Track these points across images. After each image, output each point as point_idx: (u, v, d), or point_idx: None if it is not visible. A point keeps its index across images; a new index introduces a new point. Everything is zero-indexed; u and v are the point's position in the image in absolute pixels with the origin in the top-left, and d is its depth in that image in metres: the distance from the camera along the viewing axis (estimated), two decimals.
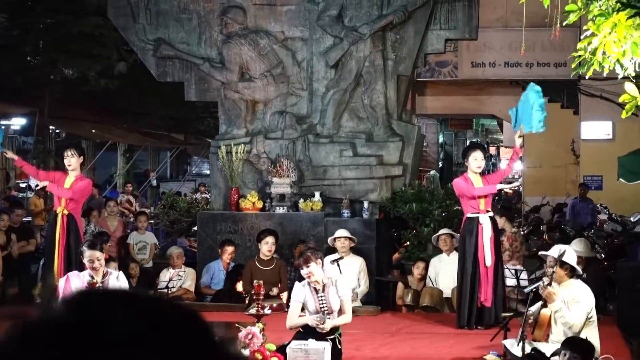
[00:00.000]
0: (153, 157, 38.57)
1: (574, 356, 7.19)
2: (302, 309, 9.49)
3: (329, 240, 13.54)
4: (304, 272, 9.36)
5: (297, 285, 9.67)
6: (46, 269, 12.52)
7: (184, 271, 14.12)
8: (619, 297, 12.85)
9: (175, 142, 36.26)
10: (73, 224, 12.51)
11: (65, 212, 12.41)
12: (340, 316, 9.34)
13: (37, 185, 25.40)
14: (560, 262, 9.22)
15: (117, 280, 9.98)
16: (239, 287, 13.53)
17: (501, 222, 13.59)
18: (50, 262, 12.38)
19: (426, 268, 13.68)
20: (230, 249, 14.13)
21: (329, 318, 9.23)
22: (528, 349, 8.77)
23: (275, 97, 15.78)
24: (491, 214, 11.92)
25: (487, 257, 11.72)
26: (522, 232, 16.80)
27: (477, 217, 11.77)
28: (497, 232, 11.92)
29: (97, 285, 9.49)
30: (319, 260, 9.50)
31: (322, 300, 9.31)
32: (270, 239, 13.43)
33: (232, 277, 13.79)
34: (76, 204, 12.66)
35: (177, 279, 13.99)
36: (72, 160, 12.52)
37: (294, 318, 9.42)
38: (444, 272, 13.25)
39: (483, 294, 11.72)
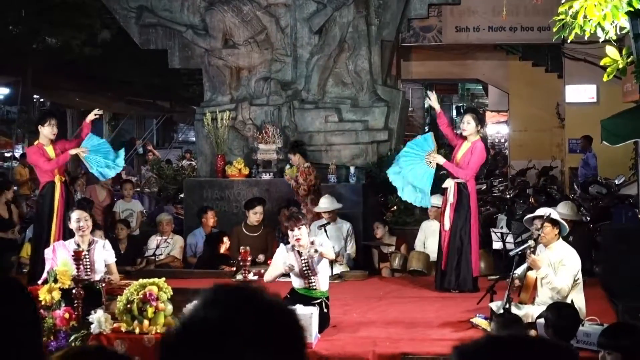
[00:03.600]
0: (139, 125, 38.46)
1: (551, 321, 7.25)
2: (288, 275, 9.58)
3: (315, 209, 13.54)
4: (293, 234, 9.40)
5: (281, 248, 9.73)
6: (37, 238, 12.42)
7: (172, 238, 14.12)
8: (604, 259, 12.91)
9: (160, 110, 36.17)
10: (69, 191, 12.50)
11: (62, 179, 12.37)
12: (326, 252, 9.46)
13: (22, 155, 25.38)
14: (550, 221, 9.24)
15: (104, 248, 10.01)
16: (222, 249, 13.55)
17: (295, 159, 13.65)
18: (46, 230, 12.26)
19: (385, 227, 13.76)
20: (210, 214, 14.13)
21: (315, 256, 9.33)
22: (515, 312, 8.81)
23: (260, 63, 15.75)
24: (459, 180, 11.87)
25: (446, 221, 11.80)
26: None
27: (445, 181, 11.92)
28: (463, 198, 11.87)
29: (83, 253, 9.49)
30: (307, 224, 9.59)
31: (305, 263, 9.37)
32: (259, 209, 13.45)
33: (211, 243, 13.75)
34: (64, 166, 12.69)
35: (165, 246, 14.00)
36: (55, 129, 12.40)
37: (271, 274, 9.53)
38: (431, 237, 13.29)
39: (444, 257, 11.83)
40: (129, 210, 15.99)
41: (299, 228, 9.39)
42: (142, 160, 32.73)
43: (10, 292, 1.76)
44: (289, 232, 9.51)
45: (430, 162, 11.87)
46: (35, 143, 12.49)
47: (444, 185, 11.91)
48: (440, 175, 14.25)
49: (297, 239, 9.38)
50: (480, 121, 12.50)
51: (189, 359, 1.72)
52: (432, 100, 12.37)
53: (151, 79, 28.93)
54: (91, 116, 12.89)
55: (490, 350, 1.72)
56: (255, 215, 13.44)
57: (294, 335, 1.80)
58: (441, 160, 11.82)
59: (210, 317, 1.76)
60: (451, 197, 11.78)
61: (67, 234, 11.45)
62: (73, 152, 12.32)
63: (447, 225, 11.79)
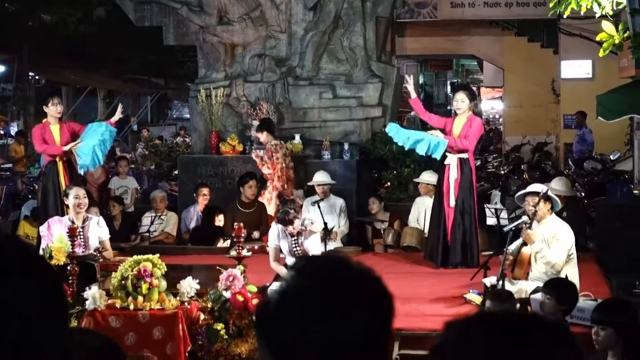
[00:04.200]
0: (133, 102, 38.40)
1: (547, 297, 7.25)
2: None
3: (309, 184, 13.56)
4: (287, 228, 9.51)
5: (273, 227, 9.79)
6: (42, 215, 12.40)
7: (166, 215, 14.12)
8: (598, 235, 12.93)
9: (155, 87, 36.12)
10: (72, 168, 12.48)
11: (64, 158, 12.37)
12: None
13: (17, 132, 25.35)
14: (545, 198, 9.25)
15: (98, 225, 10.01)
16: (217, 222, 13.58)
17: (263, 136, 13.65)
18: (52, 207, 12.24)
19: (381, 203, 13.78)
20: (205, 190, 14.12)
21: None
22: (509, 288, 8.83)
23: (254, 40, 15.71)
24: (464, 155, 11.85)
25: (451, 198, 11.77)
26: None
27: (446, 157, 11.82)
28: (466, 174, 11.87)
29: (78, 230, 9.50)
30: (300, 215, 9.68)
31: (294, 243, 9.45)
32: (253, 183, 13.43)
33: (207, 217, 13.79)
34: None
35: (159, 222, 14.00)
36: (59, 108, 12.44)
37: (274, 261, 9.62)
38: (425, 213, 13.30)
39: (448, 234, 11.81)
40: (124, 187, 15.97)
41: (291, 224, 9.51)
42: (136, 138, 32.71)
43: (40, 271, 1.66)
44: (284, 226, 9.64)
45: (433, 133, 11.86)
46: (43, 121, 12.54)
47: (446, 162, 11.84)
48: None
49: (290, 232, 9.54)
50: (474, 97, 12.49)
51: (285, 330, 1.73)
52: (409, 86, 12.31)
53: (146, 56, 28.88)
54: (117, 117, 12.85)
55: (482, 327, 1.72)
56: (250, 189, 13.40)
57: (383, 302, 1.84)
58: (441, 135, 11.77)
59: (302, 287, 1.79)
60: (455, 173, 11.74)
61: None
62: (66, 148, 12.28)
63: (452, 201, 11.75)
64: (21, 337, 1.48)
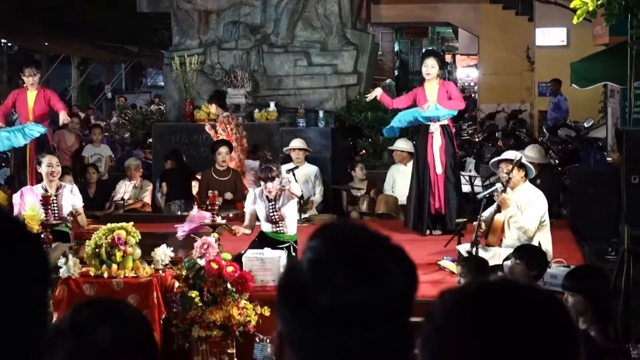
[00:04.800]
0: (107, 70, 38.19)
1: (517, 263, 7.30)
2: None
3: (285, 150, 13.54)
4: (266, 186, 9.45)
5: (251, 191, 9.79)
6: (14, 183, 12.37)
7: (140, 183, 14.08)
8: (571, 202, 13.01)
9: (129, 55, 35.88)
10: (43, 137, 12.43)
11: (68, 119, 12.37)
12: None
13: None
14: (518, 165, 9.28)
15: (72, 193, 9.97)
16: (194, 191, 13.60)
17: (213, 108, 13.73)
18: (22, 175, 12.22)
19: (364, 168, 13.83)
20: (170, 163, 14.10)
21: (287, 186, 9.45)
22: (482, 254, 8.87)
23: (229, 7, 15.64)
24: (445, 122, 11.89)
25: (438, 165, 11.77)
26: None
27: (428, 125, 11.80)
28: (450, 140, 11.92)
29: (51, 198, 9.46)
30: (279, 175, 9.63)
31: (272, 207, 9.42)
32: (223, 149, 13.36)
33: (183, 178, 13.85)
34: (43, 116, 12.60)
35: (133, 190, 13.96)
36: (35, 79, 12.43)
37: (244, 224, 9.61)
38: (400, 180, 13.32)
39: (437, 201, 11.80)
40: (98, 155, 15.91)
41: (272, 181, 9.43)
42: (111, 106, 32.57)
43: (16, 233, 1.64)
44: (262, 183, 9.56)
45: (424, 108, 11.73)
46: (24, 86, 12.73)
47: (430, 130, 11.82)
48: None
49: (270, 191, 9.45)
50: (444, 63, 12.56)
51: (326, 297, 1.73)
52: (374, 94, 12.20)
53: (120, 24, 28.67)
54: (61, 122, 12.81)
55: (478, 296, 1.72)
56: (220, 156, 13.33)
57: (413, 269, 1.83)
58: (432, 103, 11.68)
59: (338, 253, 1.78)
60: (439, 140, 11.75)
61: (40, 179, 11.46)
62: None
63: (439, 169, 11.75)
64: (6, 302, 1.46)
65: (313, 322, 1.73)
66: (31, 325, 1.66)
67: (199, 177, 13.64)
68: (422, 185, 11.84)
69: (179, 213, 12.94)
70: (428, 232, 11.78)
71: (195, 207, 9.72)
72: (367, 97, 12.29)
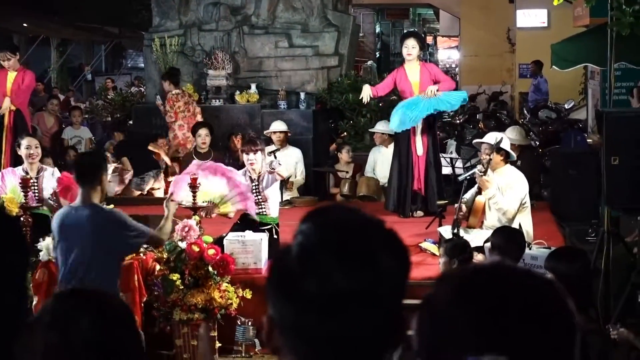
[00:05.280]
0: (87, 51, 37.99)
1: (495, 244, 7.35)
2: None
3: (265, 132, 13.52)
4: (248, 157, 9.42)
5: (237, 173, 9.75)
6: None
7: (121, 165, 14.02)
8: (552, 183, 13.05)
9: (109, 36, 35.70)
10: (21, 119, 12.36)
11: (13, 107, 12.25)
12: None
13: None
14: (496, 149, 9.30)
15: (52, 176, 9.89)
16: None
17: (165, 85, 13.89)
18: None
19: (351, 151, 13.85)
20: (162, 140, 14.06)
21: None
22: (463, 236, 8.88)
23: None
24: None
25: (419, 146, 11.79)
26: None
27: None
28: (431, 122, 11.94)
29: (31, 181, 9.40)
30: (263, 150, 9.63)
31: (255, 189, 9.39)
32: (203, 131, 13.32)
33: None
34: (23, 99, 12.52)
35: (114, 173, 13.90)
36: (9, 62, 12.36)
37: None
38: (381, 163, 13.33)
39: (417, 182, 11.82)
40: (78, 138, 15.87)
41: (255, 152, 9.42)
42: (91, 87, 32.41)
43: None
44: (244, 156, 9.55)
45: (426, 94, 11.70)
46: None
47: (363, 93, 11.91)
48: (391, 101, 14.27)
49: (252, 163, 9.41)
50: (424, 44, 12.58)
51: (315, 283, 1.71)
52: (366, 92, 12.15)
53: (100, 4, 28.52)
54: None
55: (477, 280, 1.71)
56: (200, 138, 13.28)
57: (405, 254, 1.83)
58: (434, 87, 11.65)
59: (329, 238, 1.77)
60: (421, 122, 11.76)
61: (18, 162, 11.39)
62: None
63: (420, 150, 11.78)
64: None
65: (302, 307, 1.72)
66: (8, 307, 1.64)
67: (160, 144, 13.72)
68: (404, 167, 11.85)
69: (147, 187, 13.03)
70: (410, 214, 11.80)
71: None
72: (362, 98, 12.20)
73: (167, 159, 13.68)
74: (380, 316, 1.74)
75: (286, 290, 1.75)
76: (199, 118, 13.79)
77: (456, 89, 27.24)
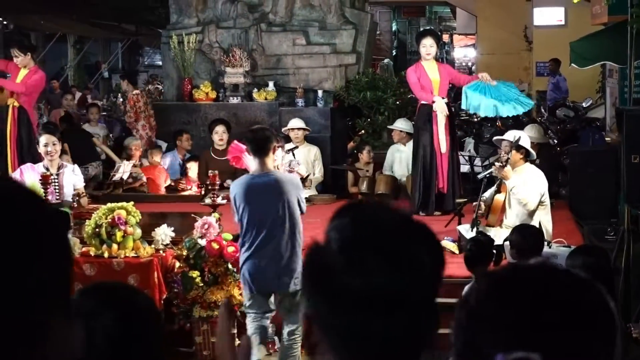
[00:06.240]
0: (104, 49, 38.06)
1: (513, 242, 7.34)
2: None
3: (284, 130, 13.52)
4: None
5: None
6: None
7: (140, 163, 14.05)
8: (570, 182, 13.03)
9: (126, 33, 35.76)
10: (25, 117, 12.37)
11: (16, 104, 12.27)
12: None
13: None
14: (516, 147, 9.28)
15: (73, 173, 9.91)
16: (190, 173, 13.57)
17: (124, 85, 14.07)
18: (3, 154, 12.26)
19: (372, 151, 13.84)
20: (186, 136, 14.11)
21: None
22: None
23: None
24: (446, 100, 11.94)
25: (442, 143, 11.79)
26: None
27: (432, 105, 11.79)
28: (452, 119, 11.96)
29: (52, 177, 9.43)
30: (282, 147, 9.64)
31: None
32: (220, 128, 13.34)
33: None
34: (28, 97, 12.52)
35: (133, 170, 13.92)
36: (18, 60, 12.37)
37: None
38: (399, 161, 13.34)
39: (440, 180, 11.81)
40: (95, 135, 15.87)
41: (274, 151, 9.43)
42: (107, 85, 32.48)
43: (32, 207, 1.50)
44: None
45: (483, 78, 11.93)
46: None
47: (435, 108, 11.82)
48: (409, 99, 14.26)
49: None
50: (440, 43, 12.67)
51: (356, 281, 1.71)
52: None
53: (116, 2, 28.57)
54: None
55: (517, 279, 1.70)
56: (217, 135, 13.31)
57: (440, 253, 1.83)
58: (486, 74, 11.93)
59: (367, 235, 1.77)
60: (443, 118, 11.77)
61: (24, 159, 11.42)
62: None
63: (443, 147, 11.79)
64: (25, 289, 1.39)
65: (343, 304, 1.71)
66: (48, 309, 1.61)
67: (184, 139, 13.90)
68: (427, 164, 11.83)
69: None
70: (422, 213, 11.79)
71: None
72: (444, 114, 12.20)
73: (114, 157, 14.46)
74: (420, 315, 1.73)
75: (328, 288, 1.73)
76: (153, 121, 14.51)
77: None
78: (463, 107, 12.09)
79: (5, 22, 30.19)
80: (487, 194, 9.42)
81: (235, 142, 9.56)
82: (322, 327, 1.76)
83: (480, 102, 11.61)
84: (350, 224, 1.77)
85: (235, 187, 7.80)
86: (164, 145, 14.64)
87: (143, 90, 14.20)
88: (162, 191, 13.34)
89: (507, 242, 7.93)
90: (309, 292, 1.78)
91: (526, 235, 7.42)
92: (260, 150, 7.75)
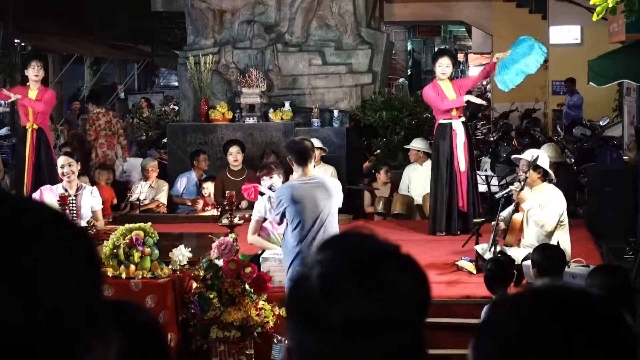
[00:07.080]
0: (120, 70, 38.20)
1: (535, 261, 7.30)
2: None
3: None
4: (265, 183, 9.46)
5: (259, 199, 9.69)
6: (17, 184, 12.45)
7: (156, 183, 14.06)
8: (588, 201, 12.98)
9: (142, 54, 35.92)
10: (43, 138, 12.43)
11: (35, 126, 12.32)
12: None
13: None
14: (533, 166, 9.25)
15: (91, 195, 9.93)
16: (205, 193, 13.56)
17: (89, 106, 14.40)
18: (20, 177, 12.31)
19: (389, 171, 13.80)
20: (203, 156, 14.12)
21: None
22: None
23: (243, 5, 15.60)
24: (463, 119, 11.93)
25: (461, 162, 11.75)
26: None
27: (450, 124, 11.77)
28: (470, 138, 11.95)
29: (70, 198, 9.44)
30: (281, 174, 9.63)
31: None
32: (234, 149, 13.36)
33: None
34: (44, 117, 12.59)
35: (149, 191, 13.95)
36: (39, 71, 12.44)
37: (254, 234, 9.47)
38: (416, 180, 13.30)
39: (460, 199, 11.77)
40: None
41: (271, 177, 9.48)
42: (124, 106, 32.57)
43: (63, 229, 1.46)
44: (262, 181, 9.57)
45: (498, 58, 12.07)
46: (27, 84, 12.69)
47: (453, 127, 11.80)
48: (425, 118, 14.23)
49: (270, 188, 9.45)
50: (456, 63, 12.70)
51: (337, 311, 1.70)
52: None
53: (132, 23, 28.70)
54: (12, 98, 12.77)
55: (535, 303, 1.69)
56: (231, 156, 13.34)
57: (425, 281, 1.83)
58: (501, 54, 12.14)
59: (349, 267, 1.75)
60: (462, 136, 11.76)
61: (43, 180, 11.45)
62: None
63: (462, 166, 11.75)
64: (52, 312, 1.37)
65: (326, 336, 1.71)
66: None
67: (201, 159, 13.92)
68: (447, 183, 11.78)
69: None
70: (444, 232, 11.74)
71: None
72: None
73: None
74: (402, 339, 1.73)
75: (309, 320, 1.74)
76: (123, 139, 14.81)
77: (488, 106, 27.25)
78: (506, 90, 12.11)
79: (23, 44, 30.36)
80: (504, 213, 9.39)
81: (246, 182, 9.80)
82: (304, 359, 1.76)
83: (512, 75, 11.71)
84: (330, 257, 1.77)
85: (286, 190, 8.28)
86: (138, 161, 14.89)
87: (108, 109, 14.43)
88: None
89: (528, 262, 7.90)
90: (292, 326, 1.78)
91: (548, 255, 7.39)
92: (302, 159, 8.27)
